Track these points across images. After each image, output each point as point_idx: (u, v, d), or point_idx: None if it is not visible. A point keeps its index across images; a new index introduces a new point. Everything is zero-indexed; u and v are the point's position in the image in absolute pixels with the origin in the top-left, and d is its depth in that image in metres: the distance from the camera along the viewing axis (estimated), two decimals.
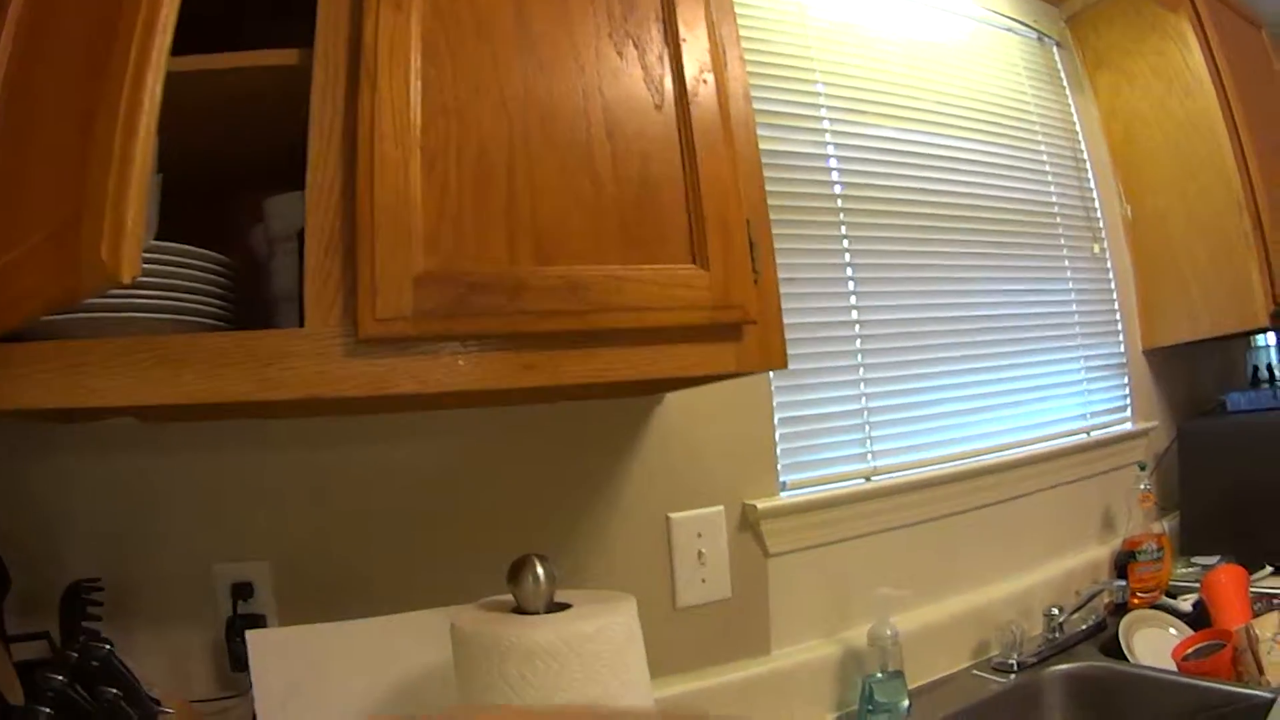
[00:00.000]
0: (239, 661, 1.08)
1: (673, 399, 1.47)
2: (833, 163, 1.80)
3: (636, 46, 1.05)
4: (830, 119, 1.82)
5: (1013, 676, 1.62)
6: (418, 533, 1.25)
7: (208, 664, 1.14)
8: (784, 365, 1.09)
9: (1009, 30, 2.31)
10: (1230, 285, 2.25)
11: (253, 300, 1.05)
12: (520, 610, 0.91)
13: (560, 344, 0.92)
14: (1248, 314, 2.22)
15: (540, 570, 0.90)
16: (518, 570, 0.90)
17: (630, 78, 1.03)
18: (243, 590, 1.15)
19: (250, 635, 1.02)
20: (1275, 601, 1.77)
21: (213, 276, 0.96)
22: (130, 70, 0.71)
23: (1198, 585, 1.86)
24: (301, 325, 0.84)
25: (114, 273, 0.65)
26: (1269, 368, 2.62)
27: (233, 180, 1.17)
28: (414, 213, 0.87)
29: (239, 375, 0.81)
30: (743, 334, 1.04)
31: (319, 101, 0.89)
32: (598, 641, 0.85)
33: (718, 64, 1.09)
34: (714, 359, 1.02)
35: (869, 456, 1.73)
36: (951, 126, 2.06)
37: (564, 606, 0.92)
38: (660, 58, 1.06)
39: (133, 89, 0.70)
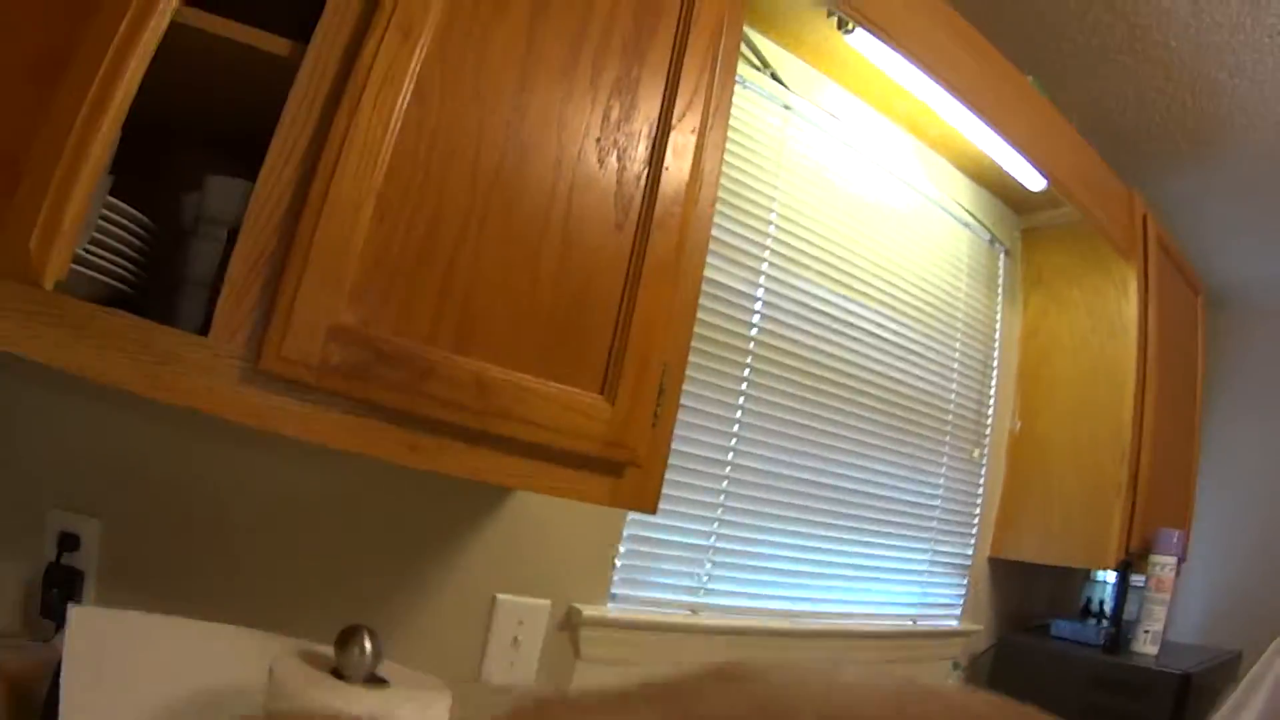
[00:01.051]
0: (48, 610, 1.09)
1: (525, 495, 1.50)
2: (759, 305, 1.86)
3: (619, 160, 1.09)
4: (771, 261, 1.89)
5: None
6: (256, 545, 1.24)
7: (18, 601, 1.11)
8: (653, 510, 1.14)
9: (965, 225, 2.44)
10: (1090, 525, 2.39)
11: (162, 269, 1.04)
12: (339, 674, 0.92)
13: (450, 434, 0.95)
14: (1097, 556, 2.36)
15: (368, 645, 0.92)
16: (346, 638, 0.92)
17: (602, 190, 1.06)
18: (69, 541, 1.13)
19: (73, 611, 1.00)
20: None
21: (130, 238, 0.95)
22: (112, 52, 0.71)
23: None
24: (205, 333, 0.84)
25: (35, 274, 0.65)
26: (1100, 604, 2.77)
27: (179, 138, 1.16)
28: (350, 261, 0.88)
29: (129, 365, 0.81)
30: (624, 473, 1.08)
31: (294, 108, 0.89)
32: None
33: (689, 199, 1.14)
34: (590, 489, 1.06)
35: (701, 591, 1.78)
36: (879, 301, 2.16)
37: (383, 681, 0.93)
38: (638, 178, 1.10)
39: (108, 77, 0.70)
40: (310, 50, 0.91)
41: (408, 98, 0.92)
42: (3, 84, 0.72)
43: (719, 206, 1.71)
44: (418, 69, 0.93)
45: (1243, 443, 3.51)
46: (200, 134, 1.11)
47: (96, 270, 0.90)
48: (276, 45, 0.92)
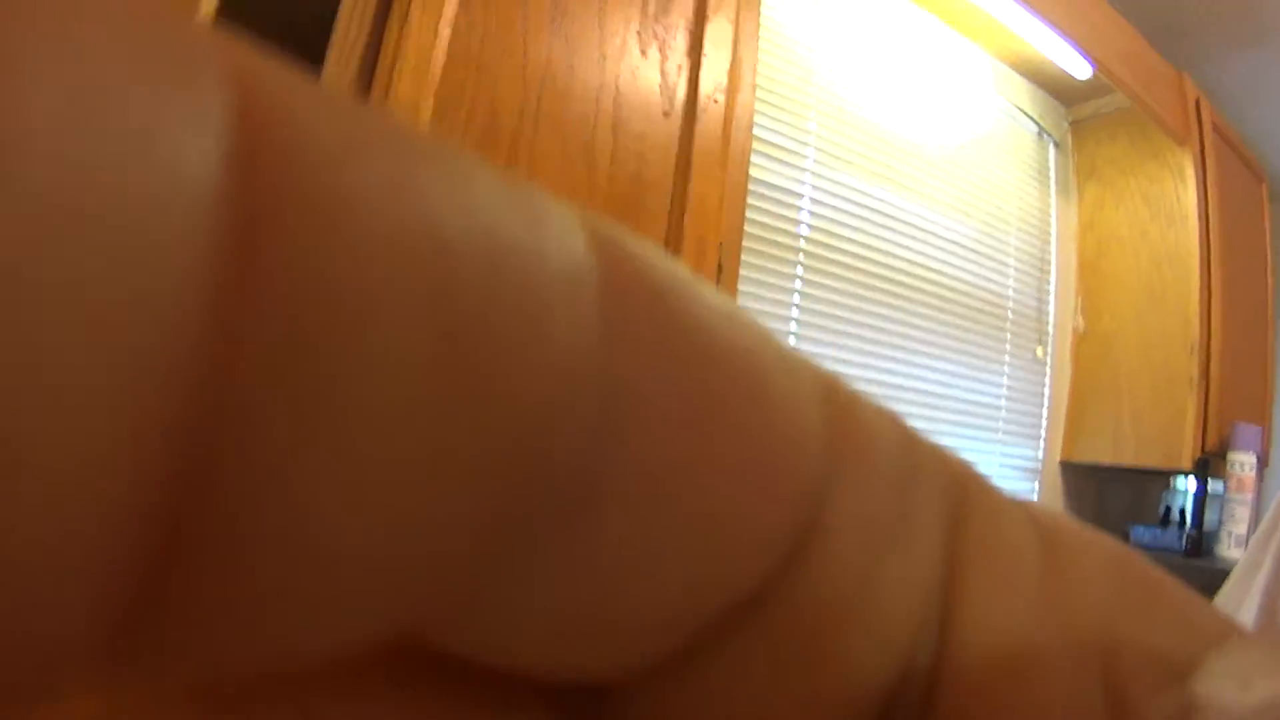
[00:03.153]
0: None
1: None
2: (805, 203, 1.92)
3: (661, 50, 1.16)
4: (815, 159, 1.95)
5: None
6: None
7: None
8: None
9: (1011, 118, 2.47)
10: (1163, 423, 2.41)
11: None
12: None
13: None
14: (1173, 454, 2.39)
15: None
16: None
17: (647, 79, 1.14)
18: None
19: None
20: None
21: None
22: None
23: None
24: None
25: None
26: (1181, 512, 2.77)
27: None
28: None
29: None
30: None
31: (344, 21, 0.98)
32: None
33: (732, 87, 1.21)
34: None
35: None
36: (926, 196, 2.21)
37: None
38: (680, 67, 1.17)
39: None
40: None
41: (455, 4, 1.00)
42: None
43: (758, 105, 1.78)
44: None
45: None
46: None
47: None
48: None
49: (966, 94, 2.34)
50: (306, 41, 0.99)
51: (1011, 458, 2.44)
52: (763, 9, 1.35)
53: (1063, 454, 2.60)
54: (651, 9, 1.17)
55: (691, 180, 1.14)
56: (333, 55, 0.96)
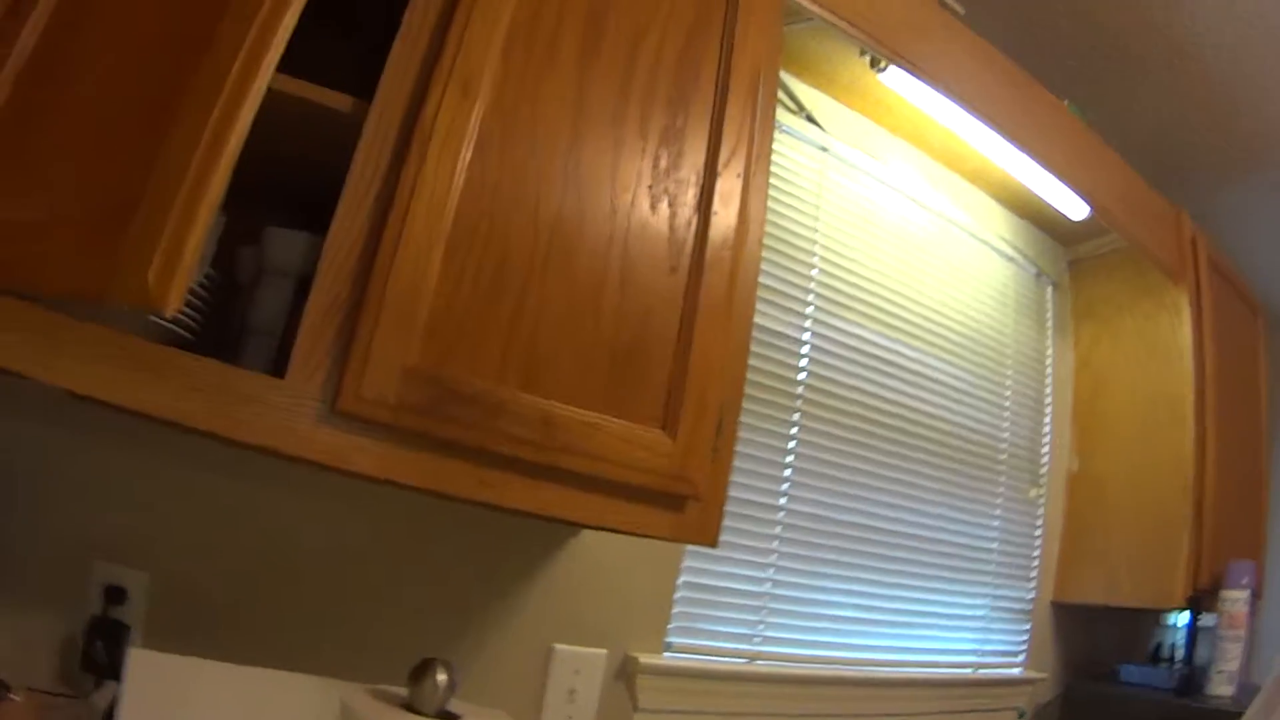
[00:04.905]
0: (90, 663, 1.14)
1: (589, 535, 1.58)
2: (806, 349, 1.97)
3: (670, 206, 1.19)
4: (816, 305, 1.99)
5: None
6: (308, 594, 1.32)
7: (54, 656, 1.18)
8: (714, 544, 1.22)
9: (1009, 260, 2.53)
10: (1155, 562, 2.40)
11: (218, 321, 1.13)
12: (411, 708, 1.00)
13: (517, 470, 1.04)
14: (1165, 593, 2.37)
15: (442, 676, 1.01)
16: (421, 671, 1.01)
17: (656, 234, 1.17)
18: (115, 595, 1.20)
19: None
20: None
21: (197, 286, 1.05)
22: (227, 93, 0.82)
23: None
24: (281, 375, 0.93)
25: (156, 303, 0.75)
26: (1172, 648, 2.76)
27: (232, 192, 1.26)
28: (423, 304, 0.98)
29: (207, 405, 0.89)
30: (685, 507, 1.17)
31: (362, 159, 1.00)
32: None
33: (739, 241, 1.24)
34: (652, 523, 1.15)
35: (758, 640, 1.85)
36: (926, 341, 2.26)
37: (454, 716, 1.02)
38: (689, 223, 1.20)
39: (225, 115, 0.81)
40: (374, 107, 1.01)
41: (470, 150, 1.03)
42: (113, 133, 0.83)
43: (763, 252, 1.81)
44: (479, 122, 1.04)
45: None
46: (245, 189, 1.20)
47: (168, 320, 0.98)
48: (339, 101, 1.02)
49: (966, 237, 2.40)
50: (324, 179, 1.01)
51: (1003, 599, 2.44)
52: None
53: (1054, 594, 2.60)
54: (664, 164, 1.20)
55: (696, 337, 1.16)
56: (348, 195, 0.98)
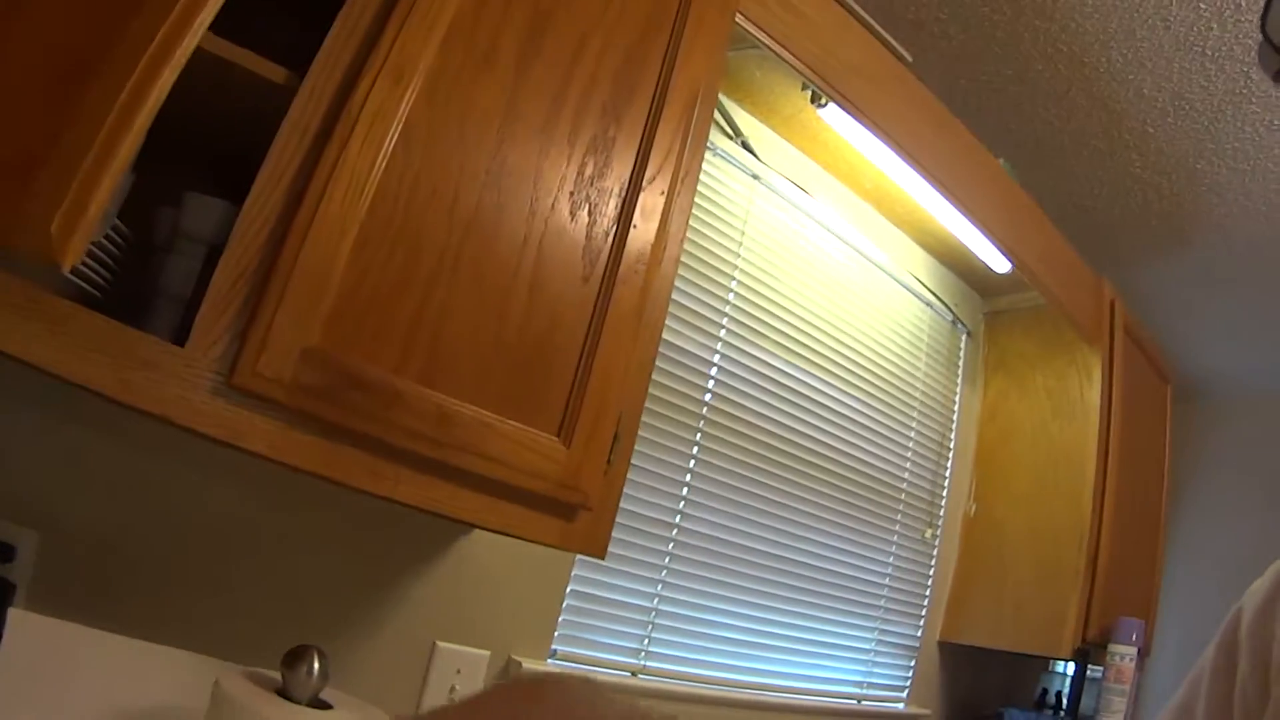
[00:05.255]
0: None
1: (480, 535, 1.58)
2: (714, 371, 2.00)
3: (590, 214, 1.20)
4: (729, 329, 2.03)
5: None
6: (195, 564, 1.30)
7: None
8: (602, 556, 1.24)
9: (928, 305, 2.59)
10: (1045, 612, 2.48)
11: (129, 280, 1.12)
12: (284, 694, 1.00)
13: (410, 464, 1.04)
14: (1053, 643, 2.45)
15: (317, 665, 1.00)
16: (295, 657, 1.01)
17: (572, 242, 1.18)
18: (4, 551, 1.15)
19: (14, 615, 1.07)
20: None
21: (107, 242, 1.03)
22: (149, 55, 0.81)
23: None
24: (181, 344, 0.93)
25: (56, 256, 0.75)
26: (1058, 695, 2.84)
27: (157, 151, 1.25)
28: (329, 286, 0.98)
29: (105, 367, 0.88)
30: (575, 516, 1.19)
31: (287, 133, 0.99)
32: None
33: (654, 259, 1.26)
34: (541, 529, 1.16)
35: (643, 654, 1.87)
36: (836, 375, 2.31)
37: (326, 705, 1.01)
38: (607, 234, 1.22)
39: (144, 77, 0.80)
40: (306, 82, 1.00)
41: (395, 137, 1.03)
42: (29, 84, 0.81)
43: (681, 270, 1.83)
44: (407, 112, 1.04)
45: (1213, 535, 3.65)
46: (172, 149, 1.19)
47: (74, 275, 0.97)
48: (273, 73, 1.02)
49: (887, 278, 2.46)
50: (245, 150, 1.01)
51: (890, 634, 2.49)
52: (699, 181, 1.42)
53: (942, 634, 2.66)
54: (589, 171, 1.22)
55: (600, 348, 1.17)
56: (267, 168, 0.97)
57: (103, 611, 1.16)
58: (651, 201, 1.27)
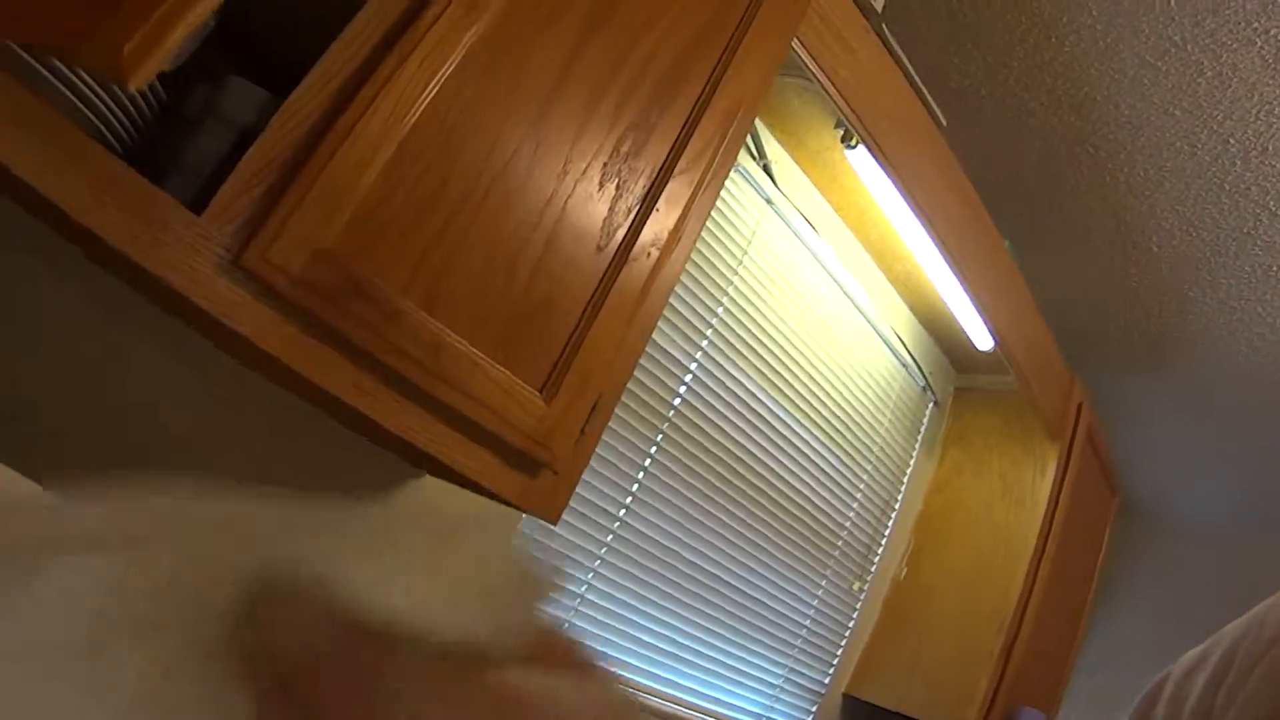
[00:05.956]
0: None
1: (430, 482, 1.56)
2: (689, 378, 2.03)
3: (619, 188, 1.22)
4: (711, 340, 2.06)
5: None
6: (154, 463, 1.28)
7: None
8: (555, 521, 1.24)
9: (904, 365, 2.63)
10: (954, 686, 2.52)
11: (150, 146, 1.11)
12: None
13: (394, 385, 1.05)
14: (956, 715, 2.48)
15: None
16: None
17: (595, 209, 1.19)
18: None
19: None
20: None
21: (139, 97, 1.02)
22: None
23: None
24: (198, 213, 0.92)
25: (124, 76, 0.74)
26: None
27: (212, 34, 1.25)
28: (355, 194, 0.98)
29: (117, 216, 0.86)
30: (539, 475, 1.19)
31: (349, 36, 0.99)
32: None
33: (667, 248, 1.28)
34: (504, 480, 1.16)
35: None
36: (801, 410, 2.34)
37: None
38: (630, 211, 1.23)
39: None
40: None
41: (453, 67, 1.04)
42: None
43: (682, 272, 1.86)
44: (470, 44, 1.05)
45: (1132, 646, 3.71)
46: (225, 40, 1.19)
47: (98, 117, 0.95)
48: None
49: (870, 331, 2.50)
50: (300, 48, 1.01)
51: (799, 674, 2.51)
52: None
53: (849, 686, 2.68)
54: (625, 148, 1.23)
55: (599, 321, 1.18)
56: (322, 66, 0.97)
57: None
58: (678, 191, 1.29)
